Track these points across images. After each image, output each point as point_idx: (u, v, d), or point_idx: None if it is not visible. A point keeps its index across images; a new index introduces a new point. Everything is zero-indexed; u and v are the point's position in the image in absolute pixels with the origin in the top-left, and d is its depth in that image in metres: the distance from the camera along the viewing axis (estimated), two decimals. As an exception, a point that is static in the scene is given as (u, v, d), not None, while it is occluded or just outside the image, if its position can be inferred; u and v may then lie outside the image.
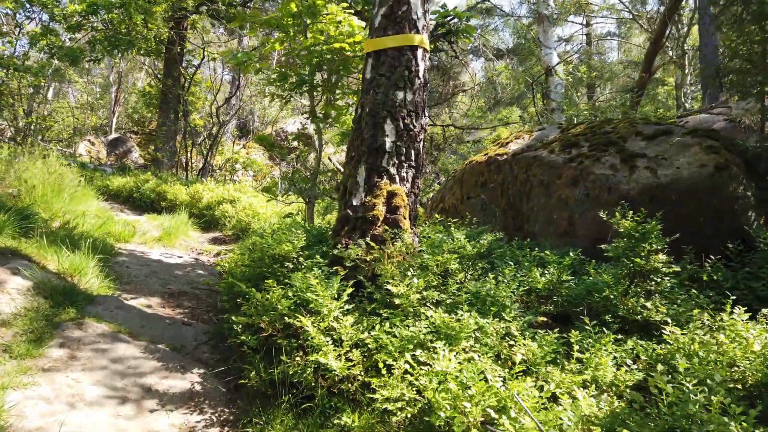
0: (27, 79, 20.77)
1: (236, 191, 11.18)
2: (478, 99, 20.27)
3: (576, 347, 3.02)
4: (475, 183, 7.32)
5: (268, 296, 3.52)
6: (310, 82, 6.02)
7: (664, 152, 5.36)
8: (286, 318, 3.32)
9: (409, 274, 3.53)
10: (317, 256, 4.00)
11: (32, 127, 22.15)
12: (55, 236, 5.98)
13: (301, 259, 4.16)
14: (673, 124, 6.16)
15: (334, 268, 3.99)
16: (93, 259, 5.19)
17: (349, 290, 3.45)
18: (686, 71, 12.97)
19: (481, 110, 18.91)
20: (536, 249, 4.74)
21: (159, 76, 17.14)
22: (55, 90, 27.29)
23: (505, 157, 6.93)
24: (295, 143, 23.23)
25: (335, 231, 4.34)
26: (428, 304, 3.50)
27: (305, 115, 6.29)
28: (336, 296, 3.42)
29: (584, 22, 22.64)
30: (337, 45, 5.55)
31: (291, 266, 4.12)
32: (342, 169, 4.95)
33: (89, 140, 19.98)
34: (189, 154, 15.53)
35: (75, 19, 12.76)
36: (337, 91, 6.62)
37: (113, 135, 20.53)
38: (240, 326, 3.59)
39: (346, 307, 3.41)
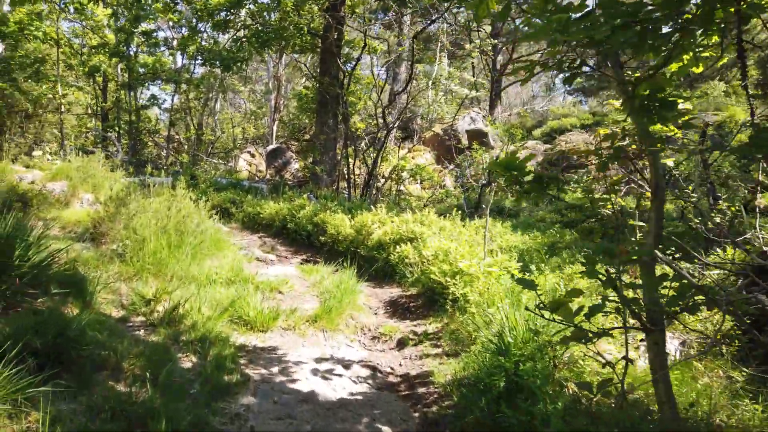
0: (192, 92, 20.27)
1: (415, 222, 7.89)
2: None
3: None
4: None
5: None
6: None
7: None
8: None
9: None
10: None
11: (201, 139, 21.78)
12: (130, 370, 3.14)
13: None
14: None
15: None
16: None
17: None
18: None
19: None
20: None
21: (314, 75, 14.74)
22: (222, 101, 27.34)
23: None
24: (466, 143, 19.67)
25: None
26: None
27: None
28: None
29: None
30: None
31: None
32: None
33: (249, 152, 18.64)
34: (351, 167, 12.77)
35: (220, 15, 10.74)
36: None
37: (272, 146, 18.97)
38: None
39: None
